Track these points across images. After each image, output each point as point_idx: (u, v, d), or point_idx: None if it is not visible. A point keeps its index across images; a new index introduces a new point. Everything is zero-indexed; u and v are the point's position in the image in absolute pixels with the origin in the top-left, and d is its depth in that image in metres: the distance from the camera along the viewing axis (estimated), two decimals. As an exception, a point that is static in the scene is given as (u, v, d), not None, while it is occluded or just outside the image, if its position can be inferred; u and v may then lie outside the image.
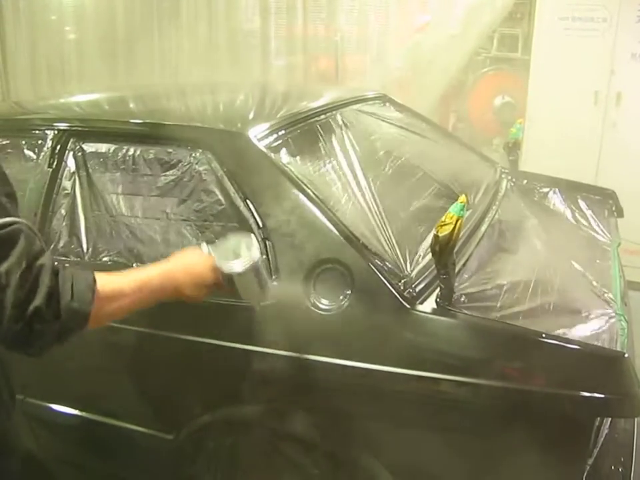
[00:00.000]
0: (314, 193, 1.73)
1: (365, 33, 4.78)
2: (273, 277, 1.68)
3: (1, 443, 1.43)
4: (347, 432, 1.67)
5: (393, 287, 1.60)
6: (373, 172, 1.96)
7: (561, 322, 1.68)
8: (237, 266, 1.46)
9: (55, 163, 2.03)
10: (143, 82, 4.93)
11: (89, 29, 5.25)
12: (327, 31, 4.85)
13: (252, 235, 1.59)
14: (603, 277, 2.01)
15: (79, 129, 2.08)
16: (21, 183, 2.05)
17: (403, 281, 1.63)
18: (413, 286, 1.64)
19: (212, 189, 1.81)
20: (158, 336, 1.80)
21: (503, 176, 2.79)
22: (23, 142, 2.12)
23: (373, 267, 1.62)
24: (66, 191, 2.00)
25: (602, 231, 2.46)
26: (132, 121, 2.12)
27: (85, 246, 1.94)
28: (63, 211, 1.98)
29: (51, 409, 2.07)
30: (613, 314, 1.76)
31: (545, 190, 2.77)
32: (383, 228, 1.74)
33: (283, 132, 1.95)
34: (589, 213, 2.60)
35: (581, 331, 1.65)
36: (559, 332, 1.59)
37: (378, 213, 1.79)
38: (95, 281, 1.27)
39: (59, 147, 2.05)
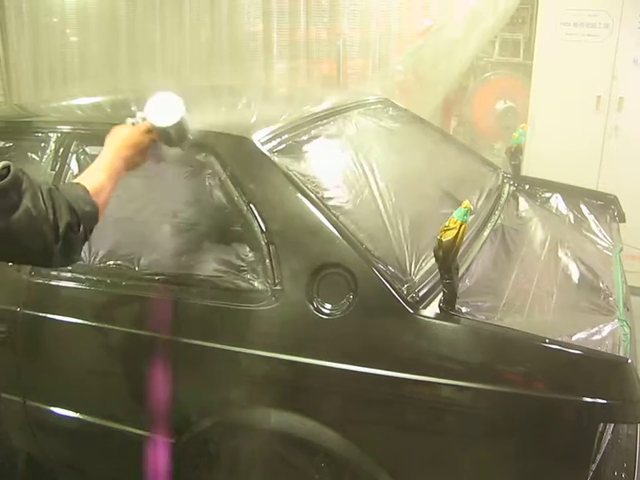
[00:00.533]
0: (317, 197, 1.73)
1: (367, 37, 4.78)
2: (276, 281, 1.69)
3: None
4: (349, 436, 1.67)
5: (396, 292, 1.60)
6: (375, 176, 1.96)
7: (563, 327, 1.68)
8: (164, 121, 1.67)
9: (58, 166, 2.04)
10: (145, 85, 4.94)
11: (91, 32, 5.26)
12: (329, 35, 4.86)
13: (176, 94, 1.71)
14: (605, 282, 2.01)
15: (82, 131, 2.09)
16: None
17: (406, 286, 1.63)
18: (416, 290, 1.64)
19: (215, 192, 1.81)
20: (161, 340, 1.80)
21: (505, 181, 2.79)
22: (26, 145, 2.13)
23: (376, 272, 1.62)
24: (69, 194, 2.00)
25: (604, 236, 2.46)
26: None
27: (87, 248, 1.93)
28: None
29: (51, 411, 2.06)
30: (616, 319, 1.76)
31: (547, 195, 2.77)
32: (386, 232, 1.74)
33: (286, 136, 1.95)
34: (590, 217, 2.60)
35: (583, 337, 1.64)
36: (562, 337, 1.59)
37: (381, 217, 1.79)
38: (83, 185, 1.47)
39: (61, 150, 2.05)
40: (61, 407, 2.05)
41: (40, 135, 2.12)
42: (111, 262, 1.91)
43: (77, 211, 1.38)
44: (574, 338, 1.62)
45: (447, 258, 1.50)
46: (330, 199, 1.76)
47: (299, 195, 1.73)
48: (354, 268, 1.63)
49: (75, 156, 2.03)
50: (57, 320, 1.96)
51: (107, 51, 5.19)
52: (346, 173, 1.93)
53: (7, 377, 2.08)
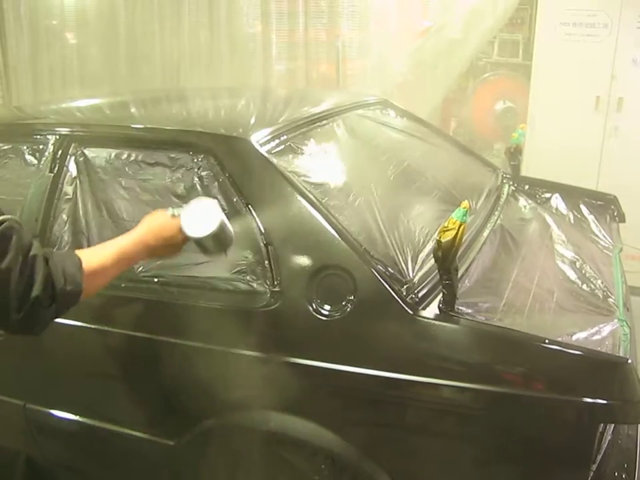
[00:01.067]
0: (316, 198, 1.73)
1: (366, 38, 4.78)
2: (275, 283, 1.68)
3: None
4: (348, 437, 1.67)
5: (395, 293, 1.60)
6: (374, 177, 1.95)
7: (563, 327, 1.68)
8: (199, 231, 1.56)
9: (57, 168, 2.03)
10: (144, 87, 4.94)
11: (90, 34, 5.25)
12: (328, 35, 4.85)
13: (214, 200, 1.64)
14: (605, 282, 2.01)
15: (81, 133, 2.08)
16: (22, 188, 2.06)
17: (405, 287, 1.63)
18: (416, 291, 1.64)
19: (214, 194, 1.81)
20: (161, 342, 1.80)
21: (505, 181, 2.79)
22: (25, 147, 2.12)
23: (375, 273, 1.61)
24: (67, 196, 2.00)
25: (604, 236, 2.46)
26: (133, 125, 2.12)
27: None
28: (64, 216, 1.98)
29: (51, 414, 2.06)
30: (616, 320, 1.76)
31: (547, 195, 2.77)
32: (385, 233, 1.74)
33: (285, 137, 1.95)
34: (590, 218, 2.60)
35: (583, 337, 1.64)
36: (562, 338, 1.58)
37: (380, 218, 1.78)
38: (81, 260, 1.40)
39: (60, 152, 2.05)
40: (60, 410, 2.05)
41: (39, 137, 2.11)
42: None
43: (55, 286, 1.31)
44: (574, 338, 1.62)
45: (447, 258, 1.50)
46: (329, 200, 1.76)
47: (297, 196, 1.73)
48: (353, 269, 1.62)
49: (73, 158, 2.03)
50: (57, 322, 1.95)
51: (106, 53, 5.19)
52: (345, 174, 1.93)
53: (7, 379, 2.08)
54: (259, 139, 1.86)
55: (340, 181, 1.89)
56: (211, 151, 1.85)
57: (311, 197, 1.73)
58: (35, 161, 2.08)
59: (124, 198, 1.94)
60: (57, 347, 1.98)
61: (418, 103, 4.31)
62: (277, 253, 1.69)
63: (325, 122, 2.19)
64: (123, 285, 1.87)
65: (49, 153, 2.06)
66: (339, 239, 1.66)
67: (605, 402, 1.44)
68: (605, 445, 1.63)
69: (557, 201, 2.73)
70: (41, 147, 2.09)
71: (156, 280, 1.84)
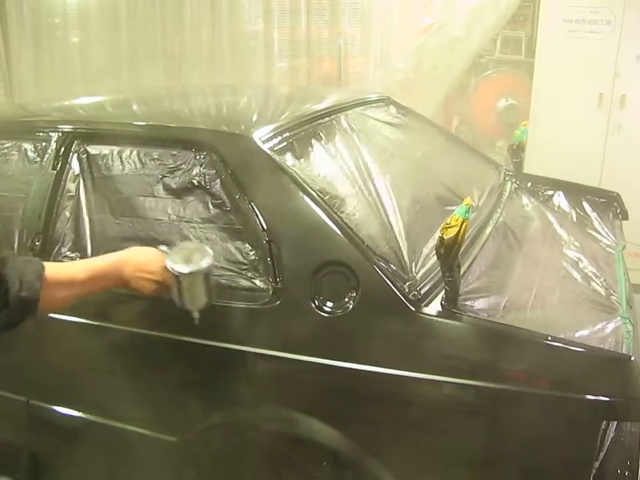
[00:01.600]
0: (318, 195, 1.73)
1: (368, 35, 4.78)
2: (278, 280, 1.68)
3: None
4: (350, 434, 1.67)
5: (397, 290, 1.59)
6: (377, 174, 1.95)
7: (566, 325, 1.68)
8: (183, 268, 1.51)
9: (59, 165, 2.03)
10: (146, 84, 4.94)
11: (92, 32, 5.26)
12: (330, 33, 4.86)
13: (208, 247, 1.60)
14: (608, 280, 2.00)
15: (83, 131, 2.08)
16: (25, 185, 2.06)
17: (407, 284, 1.63)
18: (418, 288, 1.64)
19: (216, 191, 1.81)
20: (163, 339, 1.80)
21: (507, 178, 2.78)
22: (27, 144, 2.12)
23: (377, 270, 1.61)
24: (70, 193, 2.00)
25: (606, 233, 2.46)
26: (136, 123, 2.12)
27: (89, 248, 1.93)
28: (67, 213, 1.98)
29: (55, 410, 2.06)
30: (618, 317, 1.75)
31: (550, 192, 2.77)
32: (387, 230, 1.74)
33: (287, 134, 1.95)
34: (593, 215, 2.59)
35: (586, 334, 1.64)
36: (565, 335, 1.58)
37: (383, 215, 1.78)
38: (43, 269, 1.32)
39: (63, 149, 2.05)
40: (64, 406, 2.05)
41: (41, 134, 2.11)
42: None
43: (9, 292, 1.24)
44: (577, 335, 1.62)
45: (449, 255, 1.50)
46: (331, 197, 1.76)
47: (300, 193, 1.73)
48: (355, 266, 1.62)
49: (76, 155, 2.03)
50: (59, 319, 1.95)
51: (108, 51, 5.20)
52: (347, 171, 1.93)
53: (10, 375, 2.08)
54: (261, 136, 1.86)
55: (342, 178, 1.89)
56: (214, 148, 1.85)
57: (313, 193, 1.73)
58: (38, 158, 2.08)
59: (126, 195, 1.94)
60: (60, 343, 1.99)
61: (420, 100, 4.30)
62: (280, 249, 1.69)
63: (327, 119, 2.19)
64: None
65: (51, 150, 2.06)
66: (341, 235, 1.66)
67: (607, 399, 1.44)
68: (608, 443, 1.63)
69: (559, 198, 2.73)
70: (43, 144, 2.09)
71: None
